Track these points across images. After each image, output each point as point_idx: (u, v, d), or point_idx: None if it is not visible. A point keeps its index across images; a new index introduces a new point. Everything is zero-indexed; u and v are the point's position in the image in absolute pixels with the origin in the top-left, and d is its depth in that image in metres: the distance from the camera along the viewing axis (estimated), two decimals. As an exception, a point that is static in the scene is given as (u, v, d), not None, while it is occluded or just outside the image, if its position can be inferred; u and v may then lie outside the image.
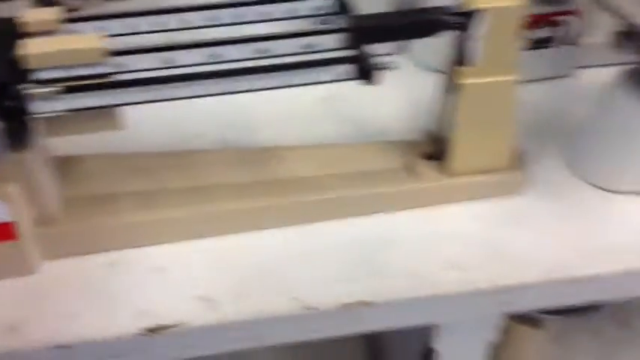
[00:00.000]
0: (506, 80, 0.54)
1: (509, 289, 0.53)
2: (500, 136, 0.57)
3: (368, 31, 0.51)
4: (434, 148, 0.59)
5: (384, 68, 0.51)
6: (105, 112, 0.48)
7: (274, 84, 0.50)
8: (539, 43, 0.70)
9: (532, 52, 0.70)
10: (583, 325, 1.01)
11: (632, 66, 0.59)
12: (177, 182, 0.56)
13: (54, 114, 0.47)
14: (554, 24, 0.70)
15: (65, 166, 0.55)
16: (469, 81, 0.54)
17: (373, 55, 0.50)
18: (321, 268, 0.53)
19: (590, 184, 0.60)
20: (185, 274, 0.52)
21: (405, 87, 0.69)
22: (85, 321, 0.48)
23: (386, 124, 0.66)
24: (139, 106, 0.48)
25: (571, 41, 0.71)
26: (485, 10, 0.51)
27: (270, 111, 0.66)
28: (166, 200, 0.54)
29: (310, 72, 0.50)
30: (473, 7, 0.51)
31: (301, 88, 0.50)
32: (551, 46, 0.71)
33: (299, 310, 0.50)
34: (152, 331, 0.48)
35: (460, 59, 0.54)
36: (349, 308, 0.51)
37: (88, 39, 0.47)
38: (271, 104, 0.65)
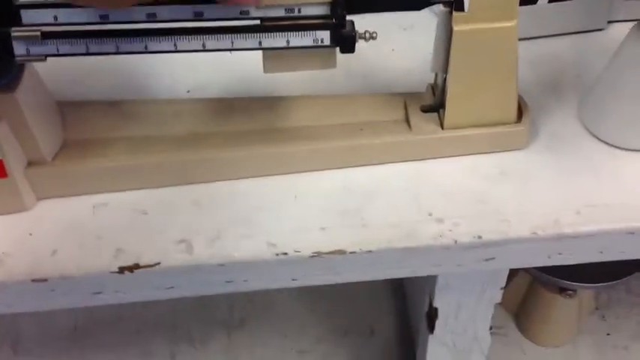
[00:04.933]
0: (502, 27, 0.52)
1: (492, 244, 0.51)
2: (500, 87, 0.55)
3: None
4: (435, 101, 0.58)
5: (363, 38, 0.50)
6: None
7: (255, 45, 0.50)
8: (570, -5, 0.67)
9: (561, 3, 0.67)
10: (623, 296, 0.97)
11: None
12: (168, 129, 0.57)
13: (36, 58, 0.48)
14: (587, -27, 0.66)
15: (63, 110, 0.57)
16: (460, 27, 0.52)
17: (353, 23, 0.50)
18: (303, 217, 0.53)
19: (600, 140, 0.57)
20: (166, 218, 0.53)
21: (419, 40, 0.67)
22: (65, 257, 0.50)
23: (395, 77, 0.64)
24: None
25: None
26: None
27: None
28: (154, 146, 0.55)
29: (291, 36, 0.50)
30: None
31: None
32: (583, -2, 0.67)
33: (272, 257, 0.50)
34: (128, 269, 0.50)
35: (453, 3, 0.52)
36: (323, 256, 0.50)
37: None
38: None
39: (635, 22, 0.54)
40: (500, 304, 0.91)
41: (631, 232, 0.52)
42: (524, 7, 0.65)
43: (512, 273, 0.90)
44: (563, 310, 0.91)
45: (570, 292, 0.88)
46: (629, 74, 0.54)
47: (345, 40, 0.49)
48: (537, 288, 0.91)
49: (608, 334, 0.95)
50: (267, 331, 0.97)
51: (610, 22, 0.68)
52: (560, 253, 0.53)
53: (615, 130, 0.56)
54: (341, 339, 0.96)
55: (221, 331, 0.97)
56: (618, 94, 0.55)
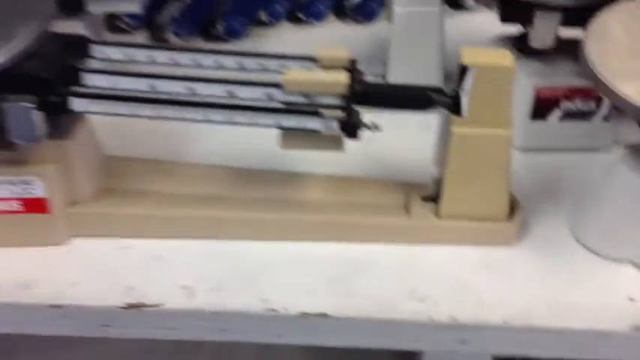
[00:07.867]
0: (495, 134, 0.58)
1: (465, 327, 0.55)
2: (492, 186, 0.60)
3: (360, 95, 0.57)
4: (434, 191, 0.63)
5: (368, 127, 0.57)
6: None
7: (271, 123, 0.58)
8: (579, 116, 0.72)
9: (570, 122, 0.72)
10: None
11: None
12: (195, 189, 0.64)
13: (91, 114, 0.58)
14: (597, 98, 0.71)
15: (111, 162, 0.65)
16: (457, 130, 0.58)
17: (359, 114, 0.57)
18: (296, 280, 0.58)
19: (584, 246, 0.61)
20: (177, 265, 0.59)
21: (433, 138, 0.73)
22: (83, 288, 0.57)
23: (406, 168, 0.70)
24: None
25: (611, 117, 0.72)
26: (471, 66, 0.55)
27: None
28: (181, 202, 0.63)
29: (305, 119, 0.57)
30: (462, 62, 0.56)
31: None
32: (591, 120, 0.72)
33: (262, 311, 0.56)
34: (134, 307, 0.56)
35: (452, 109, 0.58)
36: (308, 317, 0.56)
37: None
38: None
39: (625, 146, 0.60)
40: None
41: (595, 334, 0.55)
42: (535, 122, 0.71)
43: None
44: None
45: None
46: (614, 191, 0.59)
47: (350, 128, 0.56)
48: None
49: None
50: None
51: (617, 143, 0.73)
52: (532, 346, 0.57)
53: (596, 239, 0.60)
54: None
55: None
56: (602, 208, 0.60)
